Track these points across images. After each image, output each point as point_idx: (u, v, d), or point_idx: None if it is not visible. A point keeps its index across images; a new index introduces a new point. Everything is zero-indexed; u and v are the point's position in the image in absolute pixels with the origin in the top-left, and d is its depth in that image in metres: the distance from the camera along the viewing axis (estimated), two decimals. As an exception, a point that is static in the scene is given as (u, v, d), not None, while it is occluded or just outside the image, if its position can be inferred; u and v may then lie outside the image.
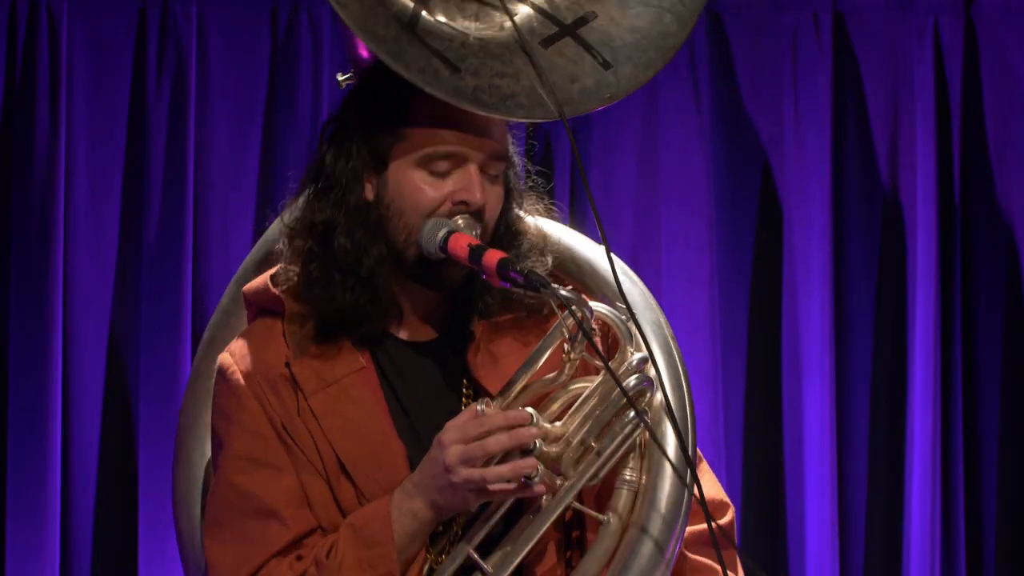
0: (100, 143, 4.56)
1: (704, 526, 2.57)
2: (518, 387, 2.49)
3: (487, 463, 2.40)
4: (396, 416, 2.54)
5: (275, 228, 2.73)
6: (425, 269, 2.53)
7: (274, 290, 2.59)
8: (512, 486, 2.40)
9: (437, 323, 2.60)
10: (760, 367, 4.76)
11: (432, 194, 2.51)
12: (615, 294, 2.56)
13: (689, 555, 2.58)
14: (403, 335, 2.59)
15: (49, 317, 4.47)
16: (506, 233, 2.56)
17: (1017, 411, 4.76)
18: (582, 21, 2.61)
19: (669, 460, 2.46)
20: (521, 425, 2.40)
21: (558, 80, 2.54)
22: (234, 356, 2.58)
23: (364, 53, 2.58)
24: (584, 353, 2.47)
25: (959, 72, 4.79)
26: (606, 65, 2.56)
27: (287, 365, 2.54)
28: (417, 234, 2.51)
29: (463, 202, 2.50)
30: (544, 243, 2.61)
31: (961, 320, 4.76)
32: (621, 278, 2.58)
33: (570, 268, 2.66)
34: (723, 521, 2.60)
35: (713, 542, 2.48)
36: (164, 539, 4.46)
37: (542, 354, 2.49)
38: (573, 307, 2.41)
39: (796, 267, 4.74)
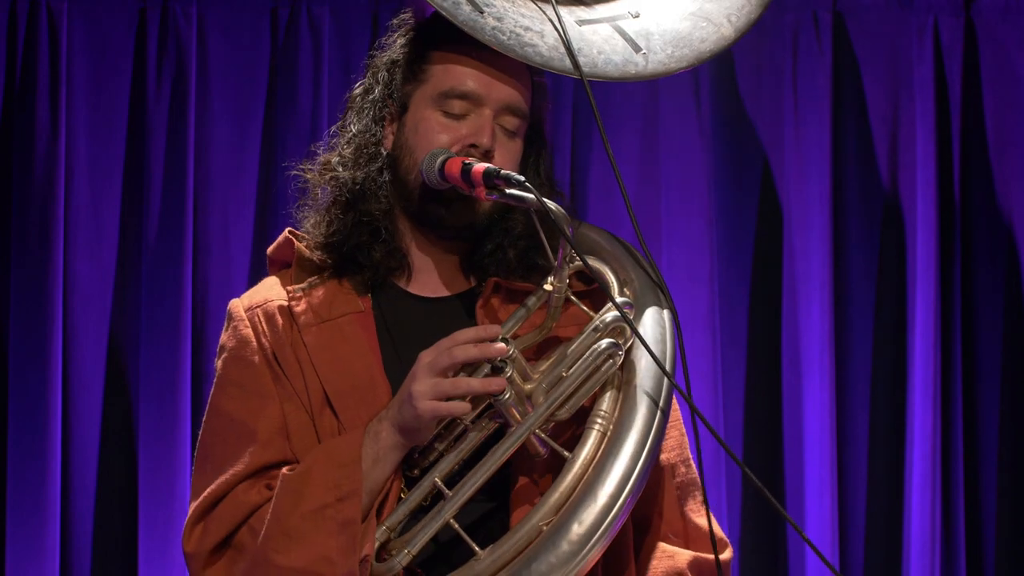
0: (100, 143, 4.56)
1: (708, 556, 2.58)
2: (507, 331, 2.50)
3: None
4: (388, 359, 2.57)
5: None
6: (431, 206, 2.55)
7: (290, 237, 2.65)
8: (468, 407, 2.43)
9: (449, 281, 2.63)
10: (760, 367, 4.76)
11: (444, 136, 2.55)
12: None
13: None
14: (412, 288, 2.62)
15: (49, 317, 4.47)
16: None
17: (1017, 411, 4.76)
18: (625, 16, 2.64)
19: (647, 347, 2.46)
20: (491, 336, 2.43)
21: (584, 47, 2.58)
22: (243, 298, 2.65)
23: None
24: (568, 290, 2.48)
25: (959, 72, 4.79)
26: (636, 48, 2.59)
27: (287, 298, 2.59)
28: (417, 172, 2.56)
29: (473, 145, 2.54)
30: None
31: (961, 320, 4.76)
32: (632, 256, 2.61)
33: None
34: (722, 557, 2.60)
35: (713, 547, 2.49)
36: (164, 539, 4.46)
37: (533, 302, 2.52)
38: (553, 213, 2.43)
39: (796, 267, 4.74)
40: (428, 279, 2.62)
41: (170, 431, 4.48)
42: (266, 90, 4.62)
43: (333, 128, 2.67)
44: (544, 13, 2.58)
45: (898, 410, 4.74)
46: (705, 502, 2.54)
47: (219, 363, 2.63)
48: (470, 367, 2.46)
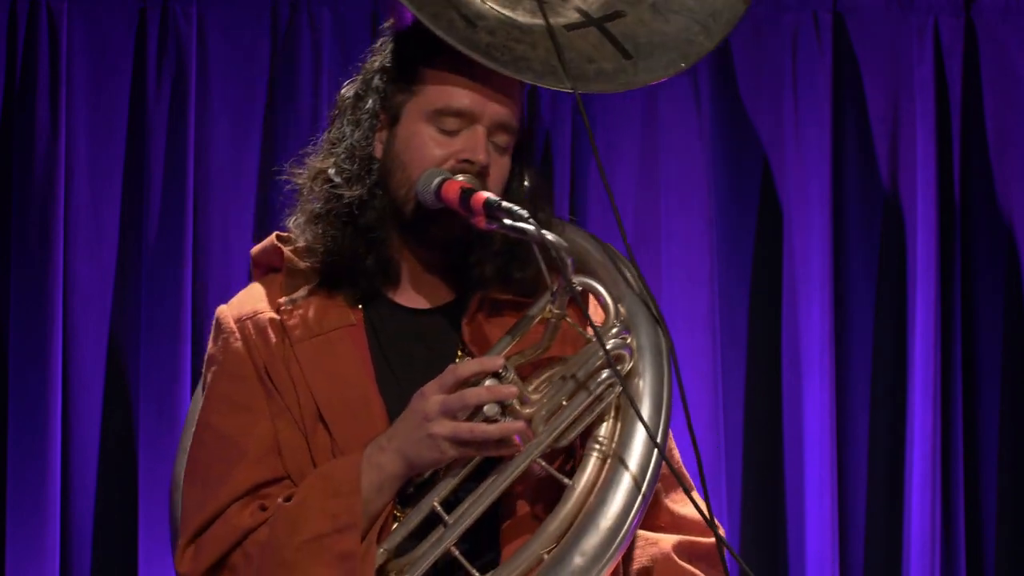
0: (100, 143, 4.56)
1: (700, 539, 2.57)
2: (503, 351, 2.49)
3: (470, 417, 2.43)
4: (381, 374, 2.55)
5: None
6: (422, 222, 2.55)
7: (278, 244, 2.63)
8: (491, 443, 2.43)
9: (436, 293, 2.62)
10: (760, 367, 4.76)
11: (438, 151, 2.54)
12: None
13: (683, 563, 2.58)
14: (400, 300, 2.60)
15: (49, 317, 4.47)
16: None
17: (1017, 411, 4.76)
18: (610, 17, 2.62)
19: (641, 418, 2.46)
20: (493, 369, 2.42)
21: (575, 58, 2.56)
22: (231, 306, 2.62)
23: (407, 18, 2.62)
24: (565, 316, 2.49)
25: (959, 72, 4.79)
26: (626, 55, 2.58)
27: (278, 311, 2.57)
28: (411, 190, 2.54)
29: (467, 160, 2.53)
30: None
31: (961, 320, 4.76)
32: (625, 271, 2.60)
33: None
34: (708, 540, 2.59)
35: (718, 543, 2.48)
36: (164, 539, 4.46)
37: (529, 319, 2.51)
38: (553, 246, 2.42)
39: (796, 267, 4.74)
40: (414, 290, 2.61)
41: (170, 431, 4.48)
42: (266, 90, 4.62)
43: (325, 134, 2.65)
44: (533, 24, 2.56)
45: (898, 410, 4.74)
46: (687, 490, 2.53)
47: (209, 375, 2.60)
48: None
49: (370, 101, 2.59)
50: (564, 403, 2.47)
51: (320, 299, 2.59)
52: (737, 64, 4.77)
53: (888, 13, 4.79)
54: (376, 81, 2.60)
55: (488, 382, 2.43)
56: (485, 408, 2.41)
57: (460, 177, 2.52)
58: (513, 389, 2.42)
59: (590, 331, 2.51)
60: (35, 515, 4.44)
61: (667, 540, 2.57)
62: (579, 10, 2.63)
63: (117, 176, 4.57)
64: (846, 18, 4.79)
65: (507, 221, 2.44)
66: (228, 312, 2.61)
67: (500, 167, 2.57)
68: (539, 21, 2.57)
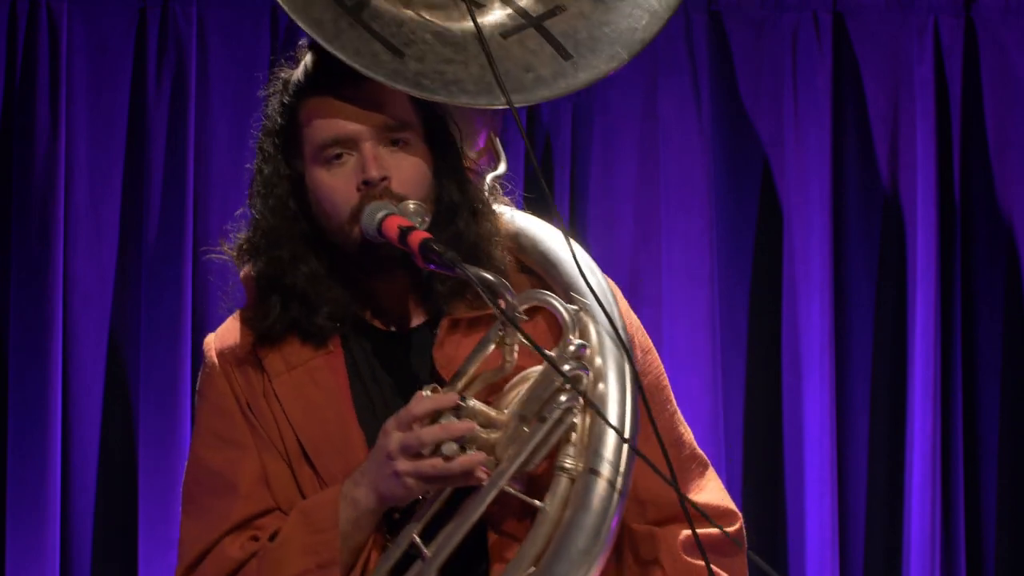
0: (100, 143, 4.57)
1: (712, 530, 2.55)
2: (466, 377, 2.48)
3: (436, 450, 2.42)
4: (359, 403, 2.55)
5: None
6: (372, 254, 2.51)
7: (248, 274, 2.60)
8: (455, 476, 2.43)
9: (409, 315, 2.60)
10: (760, 367, 4.76)
11: (340, 186, 2.50)
12: (575, 288, 2.55)
13: (689, 559, 2.56)
14: (377, 323, 2.59)
15: (49, 317, 4.47)
16: (444, 209, 2.54)
17: (1017, 411, 4.76)
18: (549, 14, 2.57)
19: (609, 424, 2.44)
20: (448, 405, 2.42)
21: (512, 68, 2.50)
22: (216, 336, 2.61)
23: None
24: (516, 340, 2.47)
25: (959, 72, 4.79)
26: (565, 55, 2.53)
27: (254, 344, 2.56)
28: (348, 228, 2.50)
29: (365, 182, 2.48)
30: (505, 229, 2.60)
31: (961, 320, 4.76)
32: (583, 270, 2.57)
33: (536, 259, 2.63)
34: (730, 530, 2.58)
35: (700, 547, 2.47)
36: (164, 539, 4.46)
37: (488, 343, 2.48)
38: (489, 288, 2.41)
39: (796, 267, 4.74)
40: (388, 311, 2.59)
41: (170, 431, 4.49)
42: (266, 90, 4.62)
43: (241, 209, 2.61)
44: (467, 40, 2.51)
45: (898, 410, 4.74)
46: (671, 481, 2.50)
47: (197, 408, 2.62)
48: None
49: (273, 165, 2.54)
50: (526, 430, 2.45)
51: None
52: (737, 64, 4.77)
53: (888, 13, 4.79)
54: (268, 149, 2.55)
55: (446, 419, 2.42)
56: (443, 447, 2.40)
57: (382, 205, 2.47)
58: (469, 425, 2.41)
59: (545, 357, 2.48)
60: (35, 515, 4.44)
61: (675, 535, 2.55)
62: (517, 8, 2.58)
63: (117, 176, 4.58)
64: (846, 18, 4.79)
65: (442, 263, 2.42)
66: (212, 344, 2.61)
67: (406, 167, 2.51)
68: (470, 26, 2.52)
